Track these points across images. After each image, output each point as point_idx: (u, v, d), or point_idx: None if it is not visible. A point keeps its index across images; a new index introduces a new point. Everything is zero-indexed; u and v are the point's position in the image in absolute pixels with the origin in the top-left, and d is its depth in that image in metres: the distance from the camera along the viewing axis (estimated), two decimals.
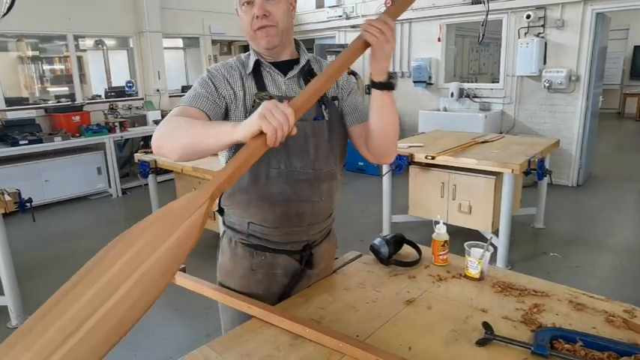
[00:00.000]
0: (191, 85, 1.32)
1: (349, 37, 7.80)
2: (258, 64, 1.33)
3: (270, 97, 1.25)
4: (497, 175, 3.52)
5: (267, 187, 1.30)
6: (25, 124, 5.66)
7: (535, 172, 3.52)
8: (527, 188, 4.87)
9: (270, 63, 1.33)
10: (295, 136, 1.03)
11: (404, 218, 4.21)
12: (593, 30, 5.41)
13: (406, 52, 7.16)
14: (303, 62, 1.37)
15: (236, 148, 1.21)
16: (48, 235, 4.75)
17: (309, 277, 1.45)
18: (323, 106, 1.35)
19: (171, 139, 1.12)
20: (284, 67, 1.35)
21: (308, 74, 1.38)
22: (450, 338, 1.14)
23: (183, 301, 3.23)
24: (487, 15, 5.66)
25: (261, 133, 0.96)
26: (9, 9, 3.74)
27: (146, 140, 6.85)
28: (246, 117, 1.20)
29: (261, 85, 1.31)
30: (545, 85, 5.70)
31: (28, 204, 3.04)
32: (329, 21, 7.92)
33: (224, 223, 1.44)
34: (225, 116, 1.30)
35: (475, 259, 1.42)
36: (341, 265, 1.59)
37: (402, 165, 3.78)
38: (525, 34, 5.83)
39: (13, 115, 5.72)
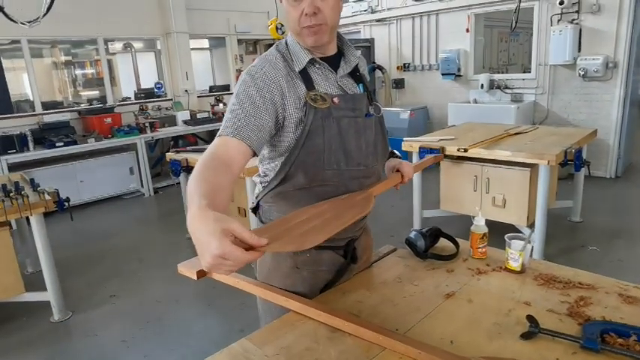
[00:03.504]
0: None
1: (375, 31, 7.72)
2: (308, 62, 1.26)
3: (322, 97, 1.23)
4: (532, 167, 3.41)
5: (322, 187, 1.28)
6: (60, 126, 5.85)
7: (572, 163, 3.39)
8: (562, 181, 4.71)
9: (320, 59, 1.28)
10: (351, 132, 1.13)
11: (435, 213, 4.14)
12: (633, 13, 5.18)
13: (434, 44, 7.04)
14: (353, 60, 1.33)
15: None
16: (84, 234, 4.90)
17: (351, 270, 1.43)
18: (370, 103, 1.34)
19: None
20: (333, 62, 1.31)
21: (356, 70, 1.35)
22: (493, 332, 1.11)
23: (215, 296, 3.27)
24: (520, 3, 5.49)
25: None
26: (48, 9, 3.86)
27: (176, 140, 6.97)
28: (301, 121, 1.21)
29: (309, 84, 1.25)
30: (580, 74, 5.50)
31: (67, 203, 3.14)
32: (354, 15, 7.87)
33: (261, 220, 1.40)
34: (276, 124, 1.22)
35: (516, 251, 1.38)
36: (376, 259, 1.57)
37: None
38: (558, 21, 5.64)
39: (49, 118, 5.92)
